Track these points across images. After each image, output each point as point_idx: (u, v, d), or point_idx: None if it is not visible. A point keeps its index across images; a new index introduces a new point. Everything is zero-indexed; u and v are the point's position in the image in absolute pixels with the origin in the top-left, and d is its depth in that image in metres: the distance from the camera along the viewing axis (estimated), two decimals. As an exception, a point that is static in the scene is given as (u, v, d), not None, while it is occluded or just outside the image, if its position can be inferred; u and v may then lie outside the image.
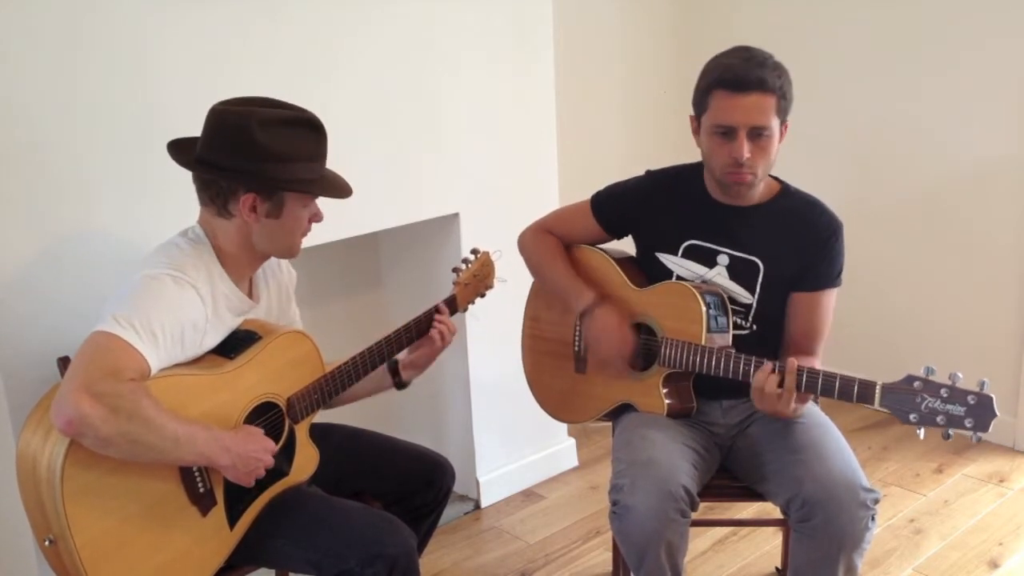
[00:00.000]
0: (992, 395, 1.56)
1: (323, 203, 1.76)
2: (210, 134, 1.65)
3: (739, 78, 1.78)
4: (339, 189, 1.74)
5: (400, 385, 2.00)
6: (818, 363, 1.90)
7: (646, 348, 1.98)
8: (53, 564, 1.54)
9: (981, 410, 1.56)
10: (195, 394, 1.60)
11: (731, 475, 2.02)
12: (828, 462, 1.78)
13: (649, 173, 2.07)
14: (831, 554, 1.74)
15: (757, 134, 1.81)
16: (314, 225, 1.77)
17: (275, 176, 1.64)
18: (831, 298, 1.95)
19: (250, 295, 1.79)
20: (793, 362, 1.73)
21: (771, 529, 2.59)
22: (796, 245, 1.92)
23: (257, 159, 1.62)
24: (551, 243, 2.13)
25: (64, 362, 1.72)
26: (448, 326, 1.98)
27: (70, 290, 1.86)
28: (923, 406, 1.60)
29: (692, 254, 1.97)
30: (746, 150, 1.81)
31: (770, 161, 1.86)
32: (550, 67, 2.74)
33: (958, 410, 1.57)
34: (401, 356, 1.97)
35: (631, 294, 2.02)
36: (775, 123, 1.82)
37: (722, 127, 1.82)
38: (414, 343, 1.96)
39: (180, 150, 1.71)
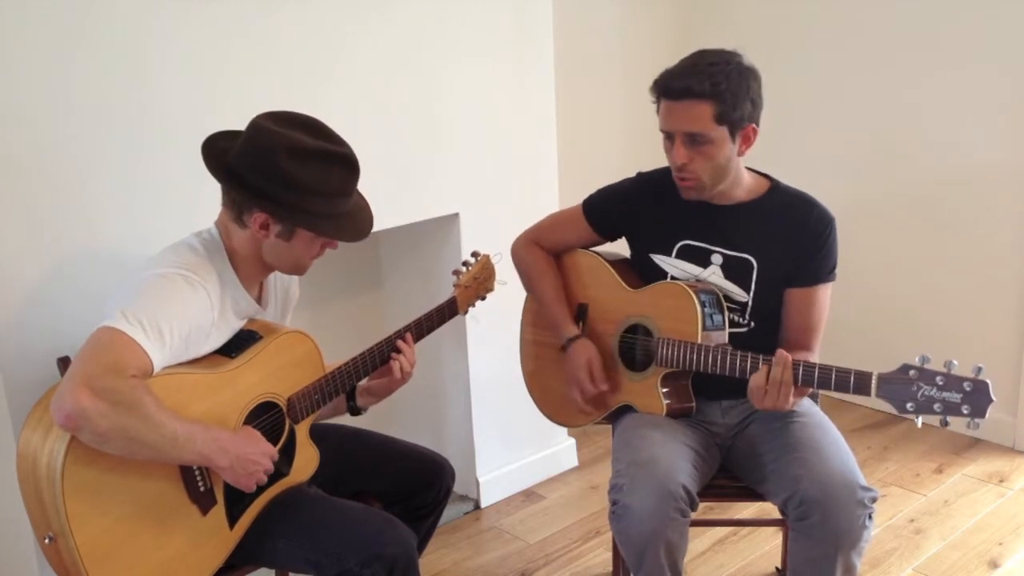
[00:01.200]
0: (988, 380, 1.57)
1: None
2: (243, 145, 1.64)
3: (667, 85, 1.82)
4: (353, 231, 1.71)
5: (354, 411, 1.96)
6: (815, 359, 1.91)
7: (643, 349, 1.99)
8: (53, 562, 1.54)
9: (977, 396, 1.57)
10: (196, 393, 1.60)
11: (731, 475, 2.02)
12: (826, 461, 1.78)
13: (640, 175, 2.08)
14: (829, 553, 1.74)
15: (693, 140, 1.82)
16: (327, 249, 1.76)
17: (291, 206, 1.62)
18: (826, 293, 1.96)
19: (259, 300, 1.79)
20: (784, 353, 1.73)
21: (771, 529, 2.59)
22: (789, 241, 1.92)
23: (277, 184, 1.60)
24: (540, 260, 2.15)
25: (64, 362, 1.73)
26: (407, 358, 1.89)
27: (70, 290, 1.86)
28: (919, 394, 1.60)
29: (686, 254, 1.98)
30: (681, 155, 1.83)
31: (717, 166, 1.86)
32: (550, 67, 2.75)
33: (954, 397, 1.58)
34: (361, 382, 1.91)
35: (626, 295, 2.02)
36: (716, 130, 1.81)
37: (663, 132, 1.87)
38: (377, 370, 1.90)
39: (213, 148, 1.68)
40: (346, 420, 2.03)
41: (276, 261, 1.72)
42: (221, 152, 1.67)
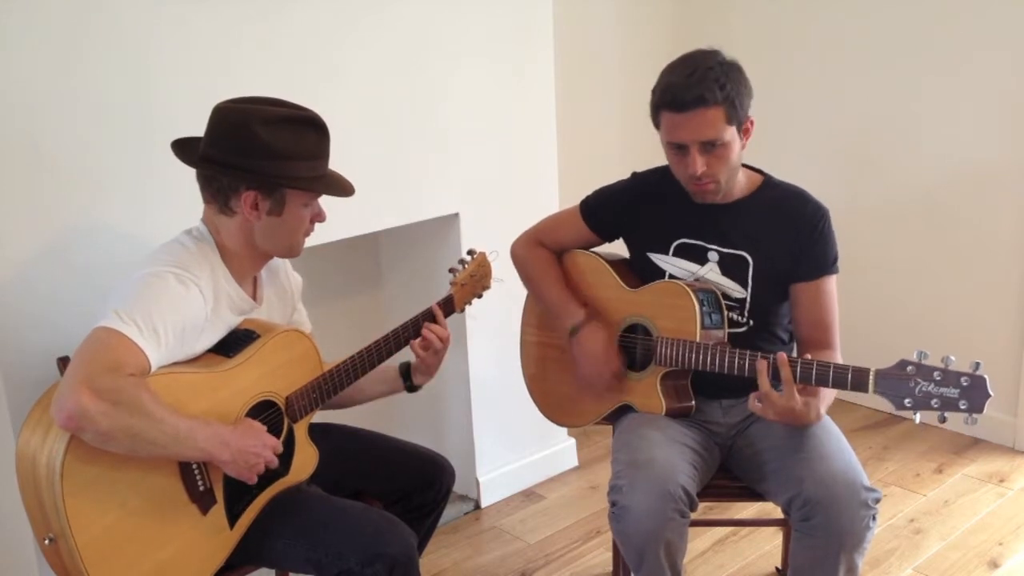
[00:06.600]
0: (985, 376, 1.56)
1: (323, 202, 1.76)
2: (212, 132, 1.66)
3: (678, 99, 1.77)
4: (341, 188, 1.74)
5: (411, 388, 2.00)
6: (838, 355, 1.90)
7: (643, 348, 1.99)
8: (53, 564, 1.54)
9: (975, 391, 1.56)
10: (194, 392, 1.60)
11: (731, 475, 2.02)
12: (829, 461, 1.78)
13: (635, 175, 2.09)
14: (832, 553, 1.74)
15: (710, 147, 1.81)
16: (316, 224, 1.77)
17: (276, 173, 1.64)
18: (831, 285, 1.95)
19: (254, 296, 1.79)
20: (783, 355, 1.73)
21: (771, 529, 2.59)
22: (783, 236, 1.93)
23: (258, 156, 1.62)
24: (542, 257, 2.14)
25: (64, 362, 1.73)
26: (437, 334, 1.92)
27: (71, 290, 1.86)
28: (917, 390, 1.60)
29: (683, 252, 1.98)
30: (700, 164, 1.82)
31: (731, 166, 1.87)
32: (550, 67, 2.75)
33: (952, 392, 1.58)
34: (414, 360, 1.96)
35: (625, 295, 2.02)
36: (728, 131, 1.81)
37: (673, 144, 1.84)
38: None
39: (184, 149, 1.72)
40: (347, 419, 2.04)
41: (270, 243, 1.73)
42: (191, 147, 1.70)
